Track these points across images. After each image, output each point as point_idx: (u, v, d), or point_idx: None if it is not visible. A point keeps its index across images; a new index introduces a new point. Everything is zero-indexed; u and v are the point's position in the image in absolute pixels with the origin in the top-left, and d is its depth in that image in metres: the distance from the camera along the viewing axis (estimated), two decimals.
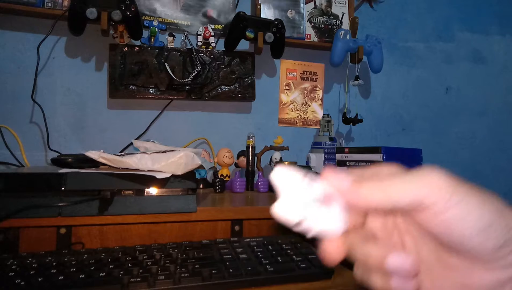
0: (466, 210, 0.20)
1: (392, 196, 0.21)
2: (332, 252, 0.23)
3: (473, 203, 0.20)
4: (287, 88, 1.26)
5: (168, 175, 0.57)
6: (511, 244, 0.20)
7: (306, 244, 0.54)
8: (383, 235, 0.25)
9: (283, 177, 0.22)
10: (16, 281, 0.40)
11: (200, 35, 1.09)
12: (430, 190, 0.20)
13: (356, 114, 1.22)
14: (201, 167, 0.62)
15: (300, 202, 0.22)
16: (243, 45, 1.16)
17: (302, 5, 1.23)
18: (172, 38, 1.08)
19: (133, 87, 1.04)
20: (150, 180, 0.57)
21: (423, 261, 0.23)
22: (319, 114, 1.27)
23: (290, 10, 1.22)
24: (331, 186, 0.22)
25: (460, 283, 0.21)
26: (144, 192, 0.59)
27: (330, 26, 1.25)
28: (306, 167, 1.08)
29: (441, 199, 0.20)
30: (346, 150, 0.88)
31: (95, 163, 0.62)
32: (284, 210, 0.22)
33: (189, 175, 0.60)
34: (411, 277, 0.21)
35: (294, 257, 0.49)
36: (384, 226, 0.25)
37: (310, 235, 0.23)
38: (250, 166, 0.96)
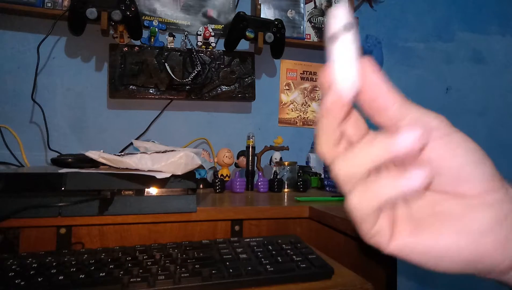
0: (464, 139, 0.21)
1: (407, 109, 0.22)
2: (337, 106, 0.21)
3: (469, 139, 0.22)
4: (287, 88, 1.26)
5: (168, 175, 0.57)
6: (499, 178, 0.21)
7: (306, 244, 0.54)
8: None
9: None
10: (16, 281, 0.40)
11: (200, 35, 1.09)
12: (434, 118, 0.22)
13: None
14: (201, 167, 0.62)
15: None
16: (243, 45, 1.16)
17: (302, 5, 1.23)
18: (172, 38, 1.08)
19: (133, 87, 1.04)
20: (150, 180, 0.57)
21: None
22: None
23: (290, 10, 1.22)
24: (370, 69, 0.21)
25: (460, 227, 0.21)
26: (144, 192, 0.59)
27: None
28: (306, 167, 1.08)
29: (444, 127, 0.21)
30: None
31: (95, 163, 0.62)
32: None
33: (189, 175, 0.60)
34: (420, 161, 0.21)
35: (294, 257, 0.49)
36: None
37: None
38: (250, 166, 0.96)
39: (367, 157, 0.20)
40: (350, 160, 0.21)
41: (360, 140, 0.22)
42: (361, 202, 0.20)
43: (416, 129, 0.19)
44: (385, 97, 0.21)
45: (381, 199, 0.20)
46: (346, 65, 0.21)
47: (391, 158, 0.19)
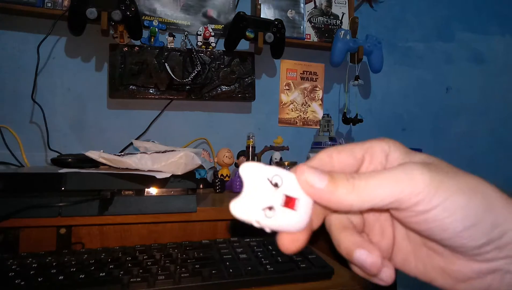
0: (450, 210, 0.18)
1: (370, 198, 0.19)
2: (289, 243, 0.21)
3: (458, 202, 0.18)
4: (287, 88, 1.26)
5: (168, 175, 0.57)
6: (495, 241, 0.19)
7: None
8: (361, 224, 0.24)
9: (251, 173, 0.21)
10: (16, 281, 0.40)
11: (200, 35, 1.09)
12: (412, 189, 0.18)
13: (356, 114, 1.22)
14: (201, 167, 0.62)
15: (261, 202, 0.20)
16: (243, 45, 1.16)
17: (302, 5, 1.23)
18: (172, 38, 1.08)
19: (133, 87, 1.04)
20: (150, 180, 0.57)
21: (410, 241, 0.24)
22: (319, 114, 1.27)
23: (290, 10, 1.22)
24: (302, 187, 0.20)
25: (441, 268, 0.22)
26: (144, 192, 0.59)
27: (330, 26, 1.25)
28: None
29: (424, 198, 0.18)
30: None
31: (95, 163, 0.62)
32: (241, 210, 0.21)
33: (189, 175, 0.60)
34: (374, 271, 0.21)
35: (294, 257, 0.49)
36: (364, 218, 0.25)
37: (268, 230, 0.21)
38: None
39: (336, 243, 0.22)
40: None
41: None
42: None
43: (372, 254, 0.20)
44: (340, 207, 0.20)
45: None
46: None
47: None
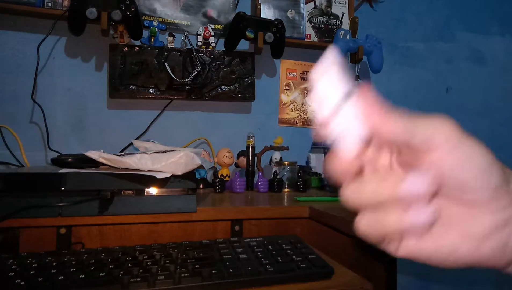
0: (472, 150, 0.22)
1: (412, 129, 0.22)
2: (344, 165, 0.23)
3: (477, 146, 0.22)
4: (287, 88, 1.26)
5: (168, 175, 0.57)
6: (505, 184, 0.22)
7: (306, 244, 0.54)
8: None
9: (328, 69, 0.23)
10: (16, 281, 0.40)
11: (200, 35, 1.09)
12: (442, 131, 0.22)
13: None
14: (201, 167, 0.62)
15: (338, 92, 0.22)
16: (243, 45, 1.16)
17: (302, 5, 1.23)
18: (172, 38, 1.08)
19: (133, 87, 1.04)
20: (150, 180, 0.57)
21: None
22: None
23: (290, 10, 1.22)
24: (364, 104, 0.23)
25: (463, 231, 0.22)
26: (144, 192, 0.59)
27: (330, 26, 1.25)
28: (306, 167, 1.08)
29: (452, 138, 0.21)
30: None
31: (95, 163, 0.62)
32: (326, 88, 0.22)
33: (189, 175, 0.60)
34: (427, 201, 0.21)
35: (294, 257, 0.49)
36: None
37: (332, 131, 0.22)
38: (250, 166, 0.96)
39: (374, 195, 0.22)
40: (358, 194, 0.23)
41: (374, 173, 0.24)
42: (368, 230, 0.23)
43: (424, 176, 0.21)
44: (387, 128, 0.23)
45: (387, 231, 0.22)
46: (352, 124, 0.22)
47: (397, 200, 0.21)
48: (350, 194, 0.23)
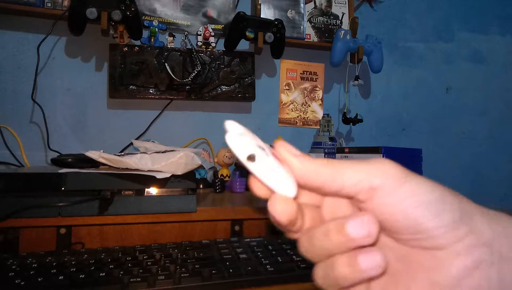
0: (416, 185, 0.20)
1: (341, 174, 0.20)
2: (282, 205, 0.20)
3: (422, 180, 0.20)
4: (287, 88, 1.26)
5: (168, 175, 0.57)
6: (466, 221, 0.19)
7: None
8: None
9: (236, 128, 0.21)
10: (16, 281, 0.40)
11: (200, 35, 1.09)
12: (378, 170, 0.20)
13: (356, 114, 1.22)
14: (201, 167, 0.62)
15: (253, 140, 0.21)
16: (243, 45, 1.16)
17: (302, 5, 1.23)
18: (172, 38, 1.08)
19: (133, 87, 1.04)
20: (150, 180, 0.57)
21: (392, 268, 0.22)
22: (319, 114, 1.27)
23: (290, 10, 1.22)
24: (282, 153, 0.21)
25: (428, 281, 0.20)
26: (144, 192, 0.59)
27: (330, 26, 1.25)
28: None
29: (391, 179, 0.20)
30: (346, 150, 0.88)
31: (95, 163, 0.62)
32: (237, 139, 0.21)
33: (189, 175, 0.60)
34: (373, 240, 0.20)
35: (294, 257, 0.49)
36: None
37: (256, 172, 0.20)
38: None
39: (322, 245, 0.21)
40: (308, 246, 0.21)
41: (317, 226, 0.21)
42: (324, 282, 0.21)
43: (364, 221, 0.19)
44: (314, 179, 0.21)
45: (340, 282, 0.20)
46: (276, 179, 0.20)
47: (346, 248, 0.20)
48: (301, 247, 0.22)
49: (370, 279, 0.21)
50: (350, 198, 0.21)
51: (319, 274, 0.21)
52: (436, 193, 0.20)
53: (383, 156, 0.79)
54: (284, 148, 0.22)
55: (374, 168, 0.20)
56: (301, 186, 0.21)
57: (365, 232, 0.19)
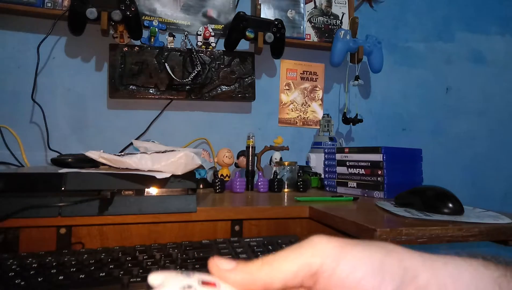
0: (354, 259, 0.20)
1: (279, 271, 0.20)
2: None
3: (359, 251, 0.20)
4: (287, 88, 1.26)
5: (168, 175, 0.57)
6: (412, 282, 0.19)
7: None
8: None
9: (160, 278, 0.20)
10: (16, 281, 0.40)
11: (200, 35, 1.09)
12: (314, 251, 0.20)
13: (356, 114, 1.22)
14: (201, 167, 0.62)
15: (181, 280, 0.20)
16: (243, 45, 1.16)
17: (302, 5, 1.23)
18: (172, 38, 1.08)
19: (133, 87, 1.04)
20: (150, 180, 0.57)
21: None
22: (319, 114, 1.27)
23: (290, 10, 1.22)
24: (214, 272, 0.21)
25: None
26: (144, 192, 0.59)
27: (330, 26, 1.25)
28: (306, 167, 1.08)
29: (329, 258, 0.20)
30: (346, 150, 0.88)
31: (95, 163, 0.62)
32: (160, 281, 0.20)
33: (189, 175, 0.60)
34: None
35: None
36: None
37: None
38: (250, 166, 0.96)
39: None
40: None
41: None
42: None
43: None
44: (255, 286, 0.20)
45: None
46: None
47: None
48: None
49: None
50: (300, 287, 0.21)
51: None
52: (375, 262, 0.20)
53: (383, 156, 0.79)
54: (216, 266, 0.21)
55: (309, 251, 0.20)
56: None
57: None
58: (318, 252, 0.20)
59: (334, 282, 0.20)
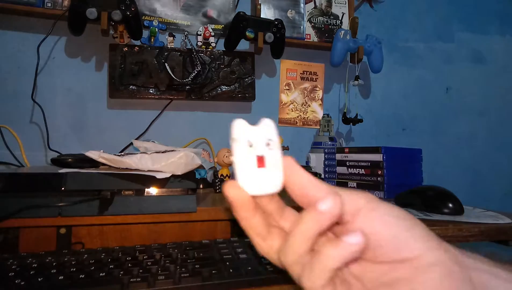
0: (390, 206, 0.24)
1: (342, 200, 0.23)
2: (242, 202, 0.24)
3: (393, 206, 0.24)
4: (287, 88, 1.26)
5: (168, 175, 0.57)
6: (434, 237, 0.23)
7: None
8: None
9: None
10: (16, 281, 0.40)
11: (200, 35, 1.09)
12: (360, 194, 0.24)
13: (356, 114, 1.22)
14: (201, 167, 0.62)
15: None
16: (243, 45, 1.16)
17: (302, 5, 1.23)
18: (172, 38, 1.08)
19: (133, 87, 1.04)
20: (150, 180, 0.57)
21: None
22: (319, 114, 1.27)
23: (290, 10, 1.22)
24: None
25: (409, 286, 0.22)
26: (144, 192, 0.59)
27: (330, 26, 1.25)
28: (306, 167, 1.07)
29: (371, 200, 0.24)
30: (346, 150, 0.89)
31: (95, 163, 0.62)
32: (242, 128, 0.24)
33: (189, 175, 0.60)
34: (339, 211, 0.22)
35: None
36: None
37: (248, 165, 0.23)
38: None
39: (302, 236, 0.23)
40: (290, 247, 0.23)
41: (290, 227, 0.25)
42: (313, 282, 0.22)
43: (330, 196, 0.22)
44: (313, 193, 0.24)
45: (328, 270, 0.22)
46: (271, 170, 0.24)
47: (321, 228, 0.22)
48: (285, 255, 0.24)
49: (354, 260, 0.24)
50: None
51: (307, 281, 0.23)
52: (407, 214, 0.23)
53: (383, 156, 0.79)
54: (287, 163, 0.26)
55: (355, 193, 0.24)
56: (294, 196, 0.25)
57: (332, 204, 0.22)
58: (365, 194, 0.24)
59: (372, 217, 0.23)
